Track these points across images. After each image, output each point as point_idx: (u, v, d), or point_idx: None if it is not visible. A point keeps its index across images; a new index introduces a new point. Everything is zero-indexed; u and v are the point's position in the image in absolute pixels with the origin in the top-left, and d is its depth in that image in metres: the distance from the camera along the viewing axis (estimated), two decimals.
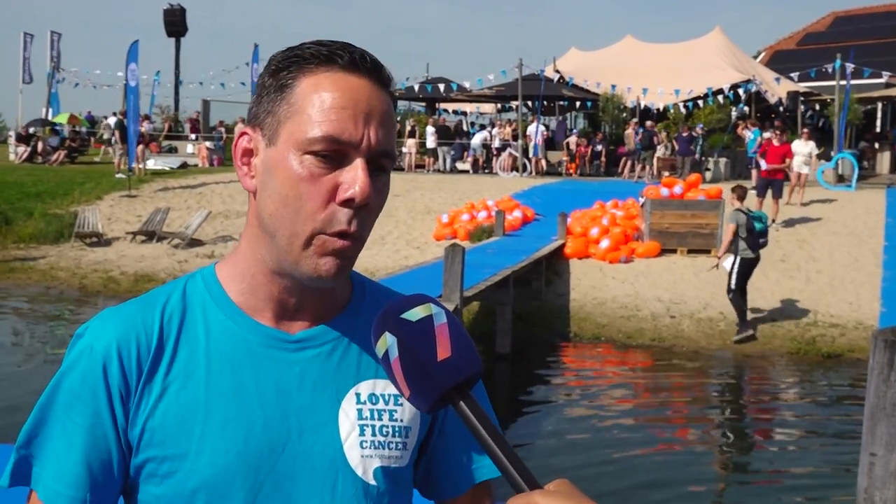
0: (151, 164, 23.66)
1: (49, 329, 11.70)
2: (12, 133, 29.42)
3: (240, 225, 16.19)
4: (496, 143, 24.78)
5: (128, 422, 0.99)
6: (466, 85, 29.16)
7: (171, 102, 34.96)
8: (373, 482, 1.02)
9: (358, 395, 1.04)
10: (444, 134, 25.80)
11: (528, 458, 6.70)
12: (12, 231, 16.70)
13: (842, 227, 14.94)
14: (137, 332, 1.00)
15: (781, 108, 25.54)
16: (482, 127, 29.89)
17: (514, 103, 28.55)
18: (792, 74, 26.42)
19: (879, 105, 29.90)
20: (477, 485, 1.11)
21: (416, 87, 29.48)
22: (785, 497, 6.59)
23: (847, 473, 5.95)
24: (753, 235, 10.51)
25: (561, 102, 29.20)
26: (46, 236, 16.37)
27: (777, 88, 26.91)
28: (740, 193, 10.92)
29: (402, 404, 1.06)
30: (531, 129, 24.10)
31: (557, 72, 27.90)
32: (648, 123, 23.12)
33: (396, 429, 1.05)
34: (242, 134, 1.02)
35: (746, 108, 25.44)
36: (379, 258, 14.05)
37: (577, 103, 28.55)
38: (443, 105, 32.49)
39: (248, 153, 1.01)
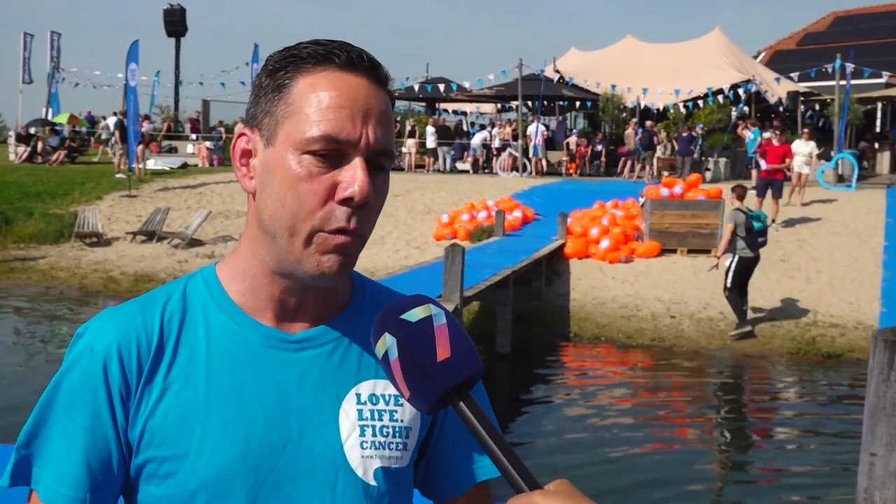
0: (151, 164, 23.66)
1: (49, 329, 11.70)
2: (12, 133, 29.42)
3: (240, 225, 16.20)
4: (496, 143, 24.79)
5: (128, 422, 0.99)
6: (466, 85, 29.17)
7: (171, 102, 35.00)
8: (373, 483, 1.02)
9: (358, 395, 1.04)
10: (444, 134, 25.80)
11: (528, 457, 6.70)
12: (12, 231, 16.70)
13: (842, 227, 14.94)
14: (138, 332, 1.00)
15: (781, 108, 25.54)
16: (482, 127, 29.89)
17: (514, 103, 28.56)
18: (792, 74, 26.42)
19: (879, 105, 29.91)
20: (477, 485, 1.11)
21: (416, 87, 29.49)
22: (785, 497, 6.59)
23: (847, 473, 5.95)
24: (752, 234, 10.54)
25: (561, 102, 29.22)
26: (46, 236, 16.37)
27: (777, 88, 26.92)
28: (740, 193, 10.97)
29: (402, 405, 1.06)
30: (531, 129, 24.10)
31: (557, 72, 27.90)
32: (648, 123, 23.12)
33: (397, 429, 1.05)
34: (240, 135, 1.02)
35: (746, 108, 25.44)
36: (379, 258, 14.05)
37: (577, 103, 28.57)
38: (443, 105, 32.49)
39: (247, 154, 1.01)
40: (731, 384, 10.13)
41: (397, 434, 1.05)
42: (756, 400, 9.54)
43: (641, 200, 14.71)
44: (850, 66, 22.74)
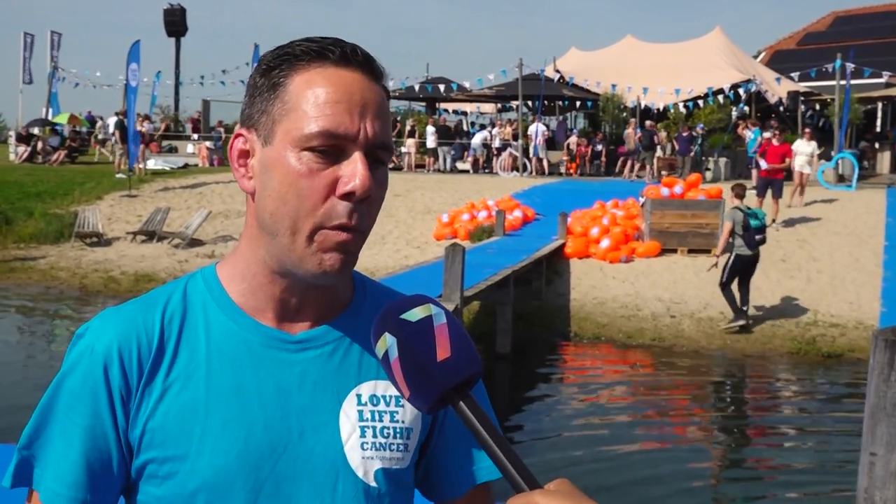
0: (152, 164, 23.67)
1: (50, 329, 11.71)
2: (12, 133, 29.44)
3: (240, 225, 16.19)
4: (496, 143, 24.79)
5: (128, 423, 0.99)
6: (466, 85, 29.16)
7: (171, 102, 35.03)
8: (374, 484, 1.02)
9: (359, 396, 1.04)
10: (444, 134, 25.81)
11: (528, 456, 6.70)
12: (12, 231, 16.70)
13: (842, 226, 14.93)
14: (138, 332, 1.00)
15: (782, 108, 25.54)
16: (482, 127, 29.90)
17: (514, 103, 28.56)
18: (792, 74, 26.41)
19: (879, 105, 29.90)
20: (476, 486, 1.11)
21: (416, 87, 29.48)
22: (785, 496, 6.59)
23: (847, 473, 5.95)
24: (749, 232, 10.59)
25: (561, 102, 29.21)
26: (46, 236, 16.37)
27: (777, 88, 26.91)
28: (739, 192, 11.05)
29: (403, 405, 1.05)
30: (532, 129, 24.11)
31: (557, 72, 27.90)
32: (648, 123, 23.11)
33: (397, 430, 1.05)
34: (237, 136, 1.01)
35: (746, 108, 25.43)
36: (379, 258, 14.05)
37: (578, 103, 28.57)
38: (443, 105, 32.48)
39: (245, 154, 1.01)
40: (731, 384, 10.13)
41: (398, 435, 1.04)
42: (756, 399, 9.54)
43: (642, 200, 14.71)
44: (850, 66, 22.74)
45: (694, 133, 22.07)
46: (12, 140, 27.92)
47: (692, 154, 21.75)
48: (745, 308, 11.07)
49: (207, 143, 26.36)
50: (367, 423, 1.03)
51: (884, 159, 25.54)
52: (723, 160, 22.74)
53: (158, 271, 14.32)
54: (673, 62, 26.58)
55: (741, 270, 10.82)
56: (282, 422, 1.00)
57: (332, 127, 0.94)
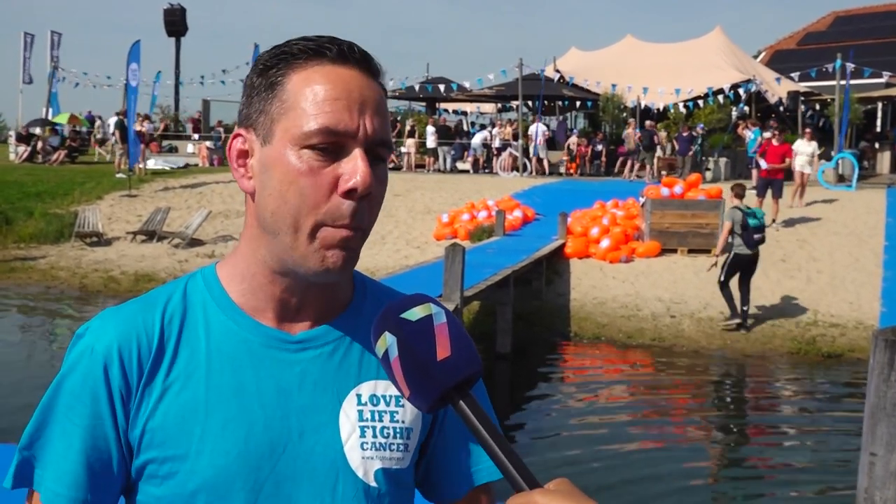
0: (152, 163, 23.68)
1: (50, 328, 11.71)
2: (12, 133, 29.44)
3: (240, 224, 16.19)
4: (496, 143, 24.79)
5: (128, 423, 0.99)
6: (466, 85, 29.16)
7: (172, 102, 35.03)
8: (374, 484, 1.02)
9: (359, 396, 1.04)
10: (444, 134, 25.80)
11: (528, 456, 6.70)
12: (12, 231, 16.70)
13: (842, 226, 14.93)
14: (138, 332, 1.00)
15: (782, 108, 25.54)
16: (482, 127, 29.89)
17: (514, 103, 28.56)
18: (792, 74, 26.41)
19: (879, 105, 29.90)
20: (476, 488, 1.11)
21: (416, 87, 29.49)
22: (784, 495, 6.59)
23: (847, 473, 5.95)
24: (748, 232, 10.63)
25: (561, 102, 29.21)
26: (47, 236, 16.37)
27: (777, 88, 26.91)
28: (738, 191, 11.09)
29: (403, 405, 1.05)
30: (532, 129, 24.11)
31: (557, 71, 27.90)
32: (648, 123, 23.11)
33: (398, 430, 1.04)
34: (236, 136, 1.01)
35: (747, 108, 25.43)
36: (379, 258, 14.05)
37: (578, 103, 28.57)
38: (443, 105, 32.49)
39: (244, 154, 1.01)
40: (731, 383, 10.13)
41: (398, 435, 1.04)
42: (756, 399, 9.54)
43: (642, 200, 14.71)
44: (850, 66, 22.74)
45: (694, 133, 22.07)
46: (12, 140, 27.93)
47: (692, 154, 21.75)
48: (745, 308, 11.09)
49: (207, 143, 26.36)
50: (367, 422, 1.03)
51: (884, 159, 25.54)
52: (723, 160, 22.74)
53: (158, 271, 14.32)
54: (673, 62, 26.58)
55: (740, 269, 10.85)
56: (282, 422, 1.00)
57: (332, 124, 0.94)
